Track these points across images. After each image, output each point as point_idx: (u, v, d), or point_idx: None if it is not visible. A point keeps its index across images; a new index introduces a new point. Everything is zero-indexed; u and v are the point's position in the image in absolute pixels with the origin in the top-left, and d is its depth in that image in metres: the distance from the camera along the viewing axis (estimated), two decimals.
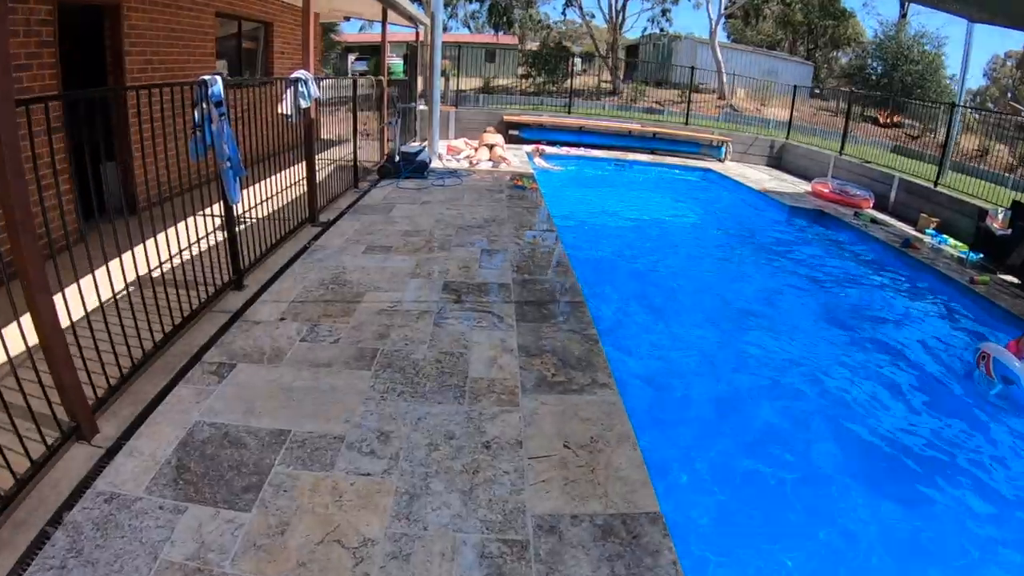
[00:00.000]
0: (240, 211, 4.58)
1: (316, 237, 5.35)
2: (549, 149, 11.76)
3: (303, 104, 5.19)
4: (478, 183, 8.02)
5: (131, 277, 2.92)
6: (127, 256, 2.84)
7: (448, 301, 3.96)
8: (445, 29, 28.39)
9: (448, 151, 10.08)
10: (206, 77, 3.64)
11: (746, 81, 21.01)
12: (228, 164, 3.85)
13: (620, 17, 24.19)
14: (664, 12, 24.25)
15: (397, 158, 7.92)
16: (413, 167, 7.92)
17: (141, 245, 3.00)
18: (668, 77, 22.65)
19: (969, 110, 13.59)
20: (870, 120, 21.32)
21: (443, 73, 17.00)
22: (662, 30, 24.54)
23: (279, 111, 5.06)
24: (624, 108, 18.14)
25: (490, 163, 9.59)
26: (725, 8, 23.01)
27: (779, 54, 27.54)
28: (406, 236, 5.38)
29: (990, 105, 28.14)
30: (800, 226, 8.86)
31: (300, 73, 5.16)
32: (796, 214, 9.23)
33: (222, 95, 3.73)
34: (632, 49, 29.21)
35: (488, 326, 3.64)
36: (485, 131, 10.77)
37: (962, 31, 9.90)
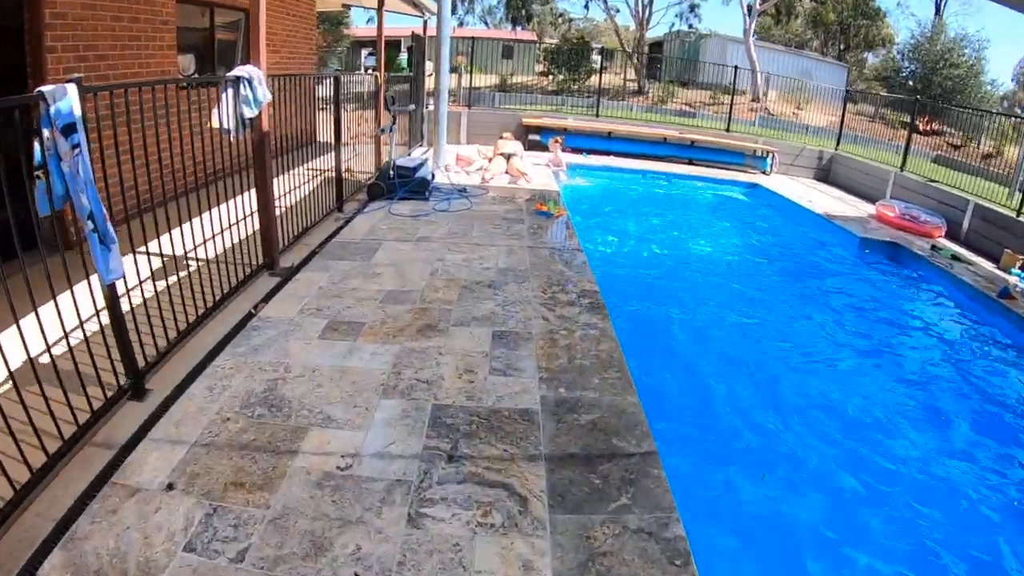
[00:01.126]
0: (156, 267, 3.06)
1: (268, 297, 3.80)
2: (569, 157, 10.10)
3: (248, 113, 3.63)
4: (491, 208, 6.42)
5: None
6: None
7: (436, 457, 2.36)
8: (460, 24, 26.80)
9: (457, 161, 8.49)
10: (46, 89, 2.11)
11: (780, 83, 19.19)
12: (91, 225, 2.31)
13: (647, 12, 22.40)
14: (692, 8, 22.48)
15: (392, 174, 6.34)
16: (411, 186, 6.34)
17: None
18: (695, 77, 20.89)
19: None
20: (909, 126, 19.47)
21: (455, 69, 15.40)
22: (690, 26, 22.75)
23: (212, 124, 3.52)
24: (652, 110, 16.43)
25: (507, 178, 7.98)
26: (761, 3, 21.15)
27: (811, 54, 25.63)
28: (387, 302, 3.80)
29: (1018, 110, 26.10)
30: (881, 267, 7.18)
31: (243, 71, 3.59)
32: (869, 249, 7.55)
33: (76, 115, 2.20)
34: (655, 47, 27.39)
35: (500, 525, 2.06)
36: (501, 136, 9.15)
37: (1001, 33, 8.12)
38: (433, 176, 6.83)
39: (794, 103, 19.24)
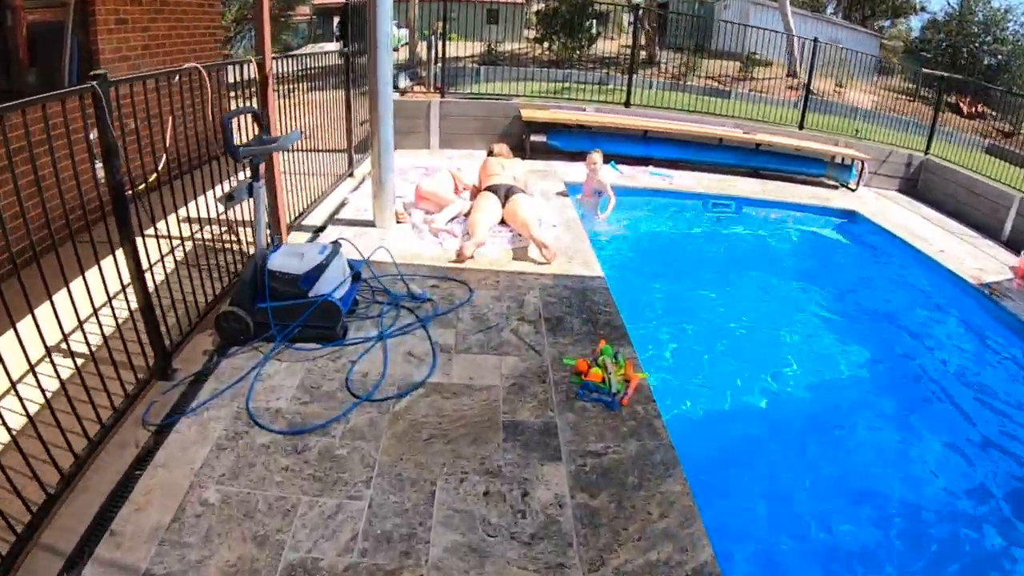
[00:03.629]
0: None
1: None
2: (605, 173, 6.32)
3: None
4: (475, 365, 2.85)
5: None
6: None
7: None
8: None
9: (417, 201, 4.87)
10: None
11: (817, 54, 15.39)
12: None
13: None
14: None
15: (264, 287, 2.79)
16: (302, 321, 2.81)
17: None
18: (709, 44, 17.01)
19: None
20: (951, 108, 16.05)
21: (426, 37, 11.45)
22: None
23: None
24: (674, 87, 12.69)
25: (504, 242, 4.41)
26: None
27: (840, 22, 21.79)
28: None
29: None
30: None
31: None
32: None
33: None
34: (660, 7, 23.20)
35: None
36: (491, 152, 5.44)
37: None
38: (357, 278, 3.23)
39: (832, 79, 15.53)
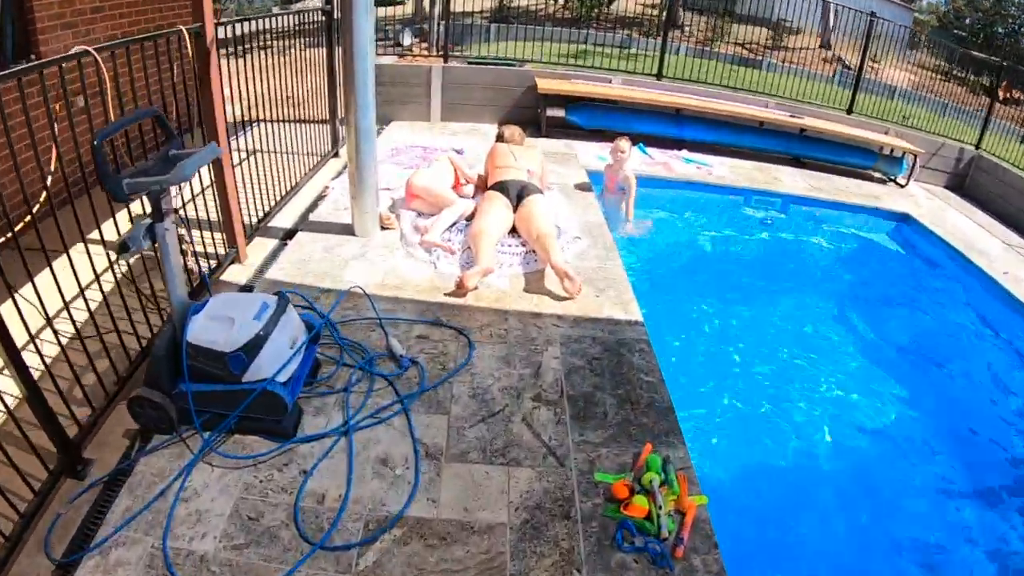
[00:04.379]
0: None
1: None
2: (632, 160, 5.42)
3: None
4: (480, 472, 2.08)
5: None
6: None
7: None
8: None
9: (408, 200, 3.94)
10: None
11: (847, 24, 14.01)
12: None
13: None
14: None
15: (184, 370, 1.97)
16: (239, 412, 2.00)
17: None
18: (734, 7, 15.54)
19: None
20: (984, 91, 14.78)
21: None
22: None
23: None
24: (700, 55, 11.48)
25: (516, 265, 3.54)
26: None
27: None
28: None
29: None
30: None
31: None
32: None
33: None
34: None
35: None
36: (501, 136, 4.44)
37: None
38: (316, 339, 2.38)
39: (860, 50, 14.19)
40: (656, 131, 6.54)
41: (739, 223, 5.62)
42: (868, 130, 7.13)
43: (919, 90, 10.75)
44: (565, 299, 3.17)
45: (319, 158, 4.80)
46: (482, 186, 4.21)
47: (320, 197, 4.30)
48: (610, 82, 6.89)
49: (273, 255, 3.47)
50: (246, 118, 3.62)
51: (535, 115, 6.55)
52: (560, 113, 6.50)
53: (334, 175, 4.76)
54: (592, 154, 5.89)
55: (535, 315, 3.01)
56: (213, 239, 3.14)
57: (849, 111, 7.50)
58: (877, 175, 7.15)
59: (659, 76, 7.10)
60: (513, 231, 3.74)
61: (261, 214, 3.67)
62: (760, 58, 11.59)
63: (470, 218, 3.85)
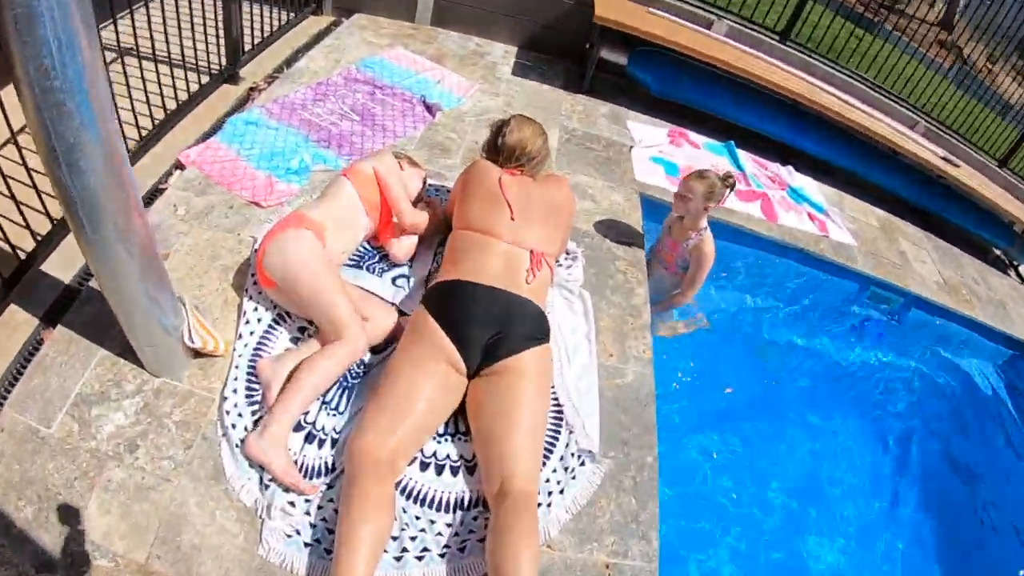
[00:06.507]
0: None
1: None
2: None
3: None
4: None
5: None
6: None
7: None
8: None
9: (263, 272, 1.77)
10: None
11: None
12: None
13: None
14: None
15: None
16: None
17: None
18: None
19: None
20: None
21: None
22: None
23: None
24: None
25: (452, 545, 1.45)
26: None
27: None
28: None
29: None
30: None
31: None
32: None
33: None
34: None
35: None
36: (504, 135, 2.03)
37: None
38: None
39: (986, 50, 11.26)
40: (760, 126, 4.19)
41: (840, 328, 3.59)
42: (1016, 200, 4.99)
43: None
44: None
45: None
46: (436, 219, 2.12)
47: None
48: (709, 28, 4.32)
49: None
50: None
51: (580, 51, 4.11)
52: (621, 59, 4.03)
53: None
54: (649, 150, 3.58)
55: None
56: None
57: (1004, 162, 5.18)
58: (1009, 256, 5.12)
59: (785, 37, 4.50)
60: (458, 416, 1.70)
61: None
62: (875, 19, 8.77)
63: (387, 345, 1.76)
